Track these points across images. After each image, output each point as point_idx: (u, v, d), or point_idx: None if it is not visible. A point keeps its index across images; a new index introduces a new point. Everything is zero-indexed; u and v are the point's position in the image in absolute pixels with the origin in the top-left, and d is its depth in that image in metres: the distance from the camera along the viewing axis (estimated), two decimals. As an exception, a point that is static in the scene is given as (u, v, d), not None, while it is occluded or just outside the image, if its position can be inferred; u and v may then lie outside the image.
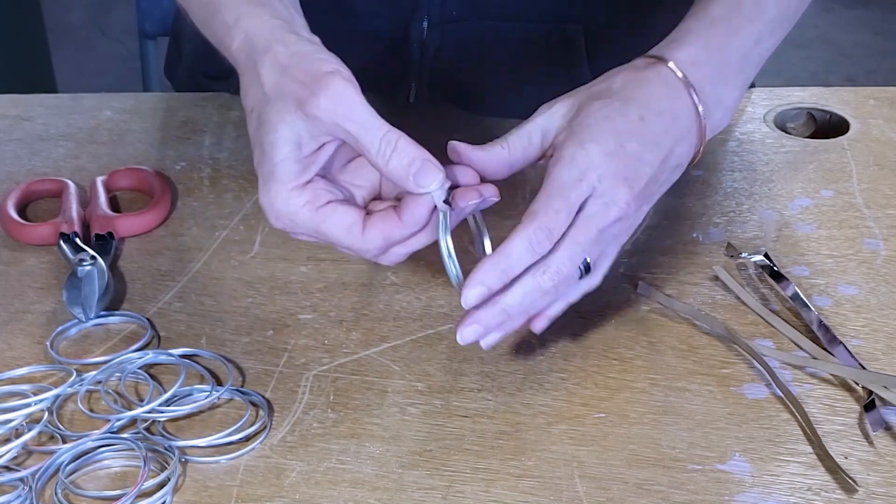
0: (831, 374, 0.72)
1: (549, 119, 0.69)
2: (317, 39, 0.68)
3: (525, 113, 0.99)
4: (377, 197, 0.69)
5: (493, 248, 0.65)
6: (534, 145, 0.68)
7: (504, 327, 0.66)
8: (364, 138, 0.63)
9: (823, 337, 0.74)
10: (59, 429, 0.68)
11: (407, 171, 0.63)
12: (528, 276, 0.64)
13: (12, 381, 0.71)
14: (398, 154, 0.63)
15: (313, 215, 0.65)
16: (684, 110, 0.69)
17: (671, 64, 0.69)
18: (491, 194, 0.66)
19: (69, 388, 0.70)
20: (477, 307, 0.64)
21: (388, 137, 0.63)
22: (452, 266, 0.65)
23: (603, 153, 0.65)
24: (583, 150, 0.65)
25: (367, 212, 0.67)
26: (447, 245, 0.65)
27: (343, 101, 0.63)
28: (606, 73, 0.71)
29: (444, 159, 0.96)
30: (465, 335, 0.65)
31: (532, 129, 0.69)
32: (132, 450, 0.66)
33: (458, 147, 0.67)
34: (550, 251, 0.64)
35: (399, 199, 0.66)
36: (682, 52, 0.69)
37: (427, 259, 0.82)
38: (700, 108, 0.69)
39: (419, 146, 0.64)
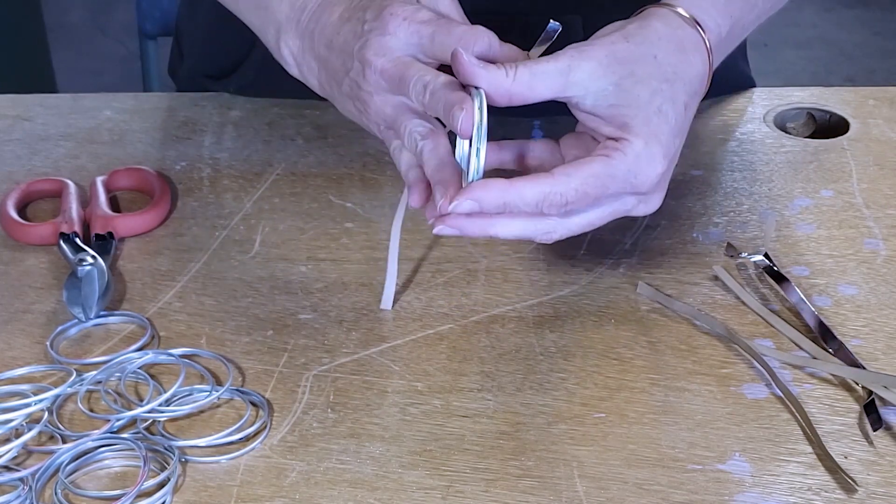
0: (831, 374, 0.72)
1: (580, 83, 0.64)
2: None
3: (524, 108, 0.99)
4: None
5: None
6: (546, 87, 0.64)
7: (474, 235, 0.65)
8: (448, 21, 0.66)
9: (823, 337, 0.74)
10: (59, 429, 0.68)
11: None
12: (532, 226, 0.63)
13: (12, 381, 0.71)
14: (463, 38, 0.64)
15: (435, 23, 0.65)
16: (704, 84, 0.67)
17: (703, 31, 0.66)
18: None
19: (69, 388, 0.70)
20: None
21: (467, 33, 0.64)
22: (476, 159, 0.62)
23: (665, 158, 0.63)
24: (648, 151, 0.62)
25: None
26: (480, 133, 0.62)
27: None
28: (639, 21, 0.66)
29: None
30: (445, 232, 0.63)
31: (551, 70, 0.64)
32: (132, 450, 0.66)
33: (462, 59, 0.63)
34: (567, 216, 0.63)
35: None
36: (711, 20, 0.67)
37: (427, 259, 0.82)
38: (711, 70, 0.67)
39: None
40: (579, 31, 0.96)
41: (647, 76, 0.63)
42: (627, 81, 0.63)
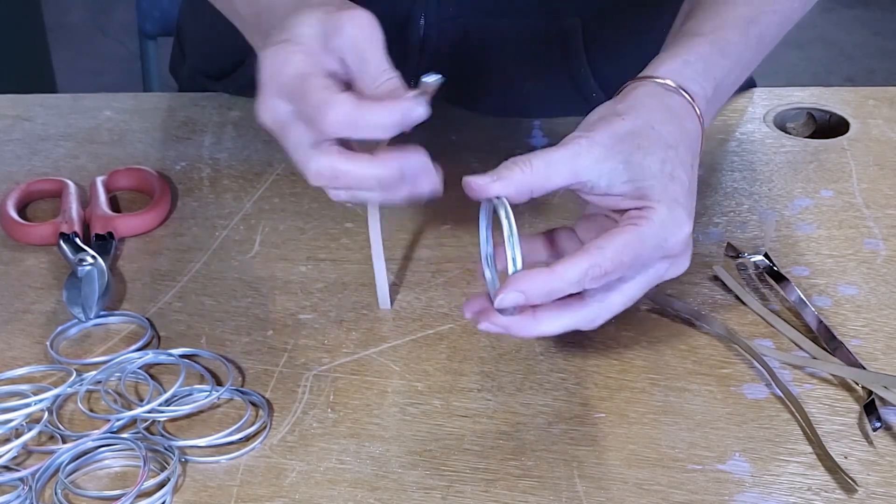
0: (831, 374, 0.72)
1: (590, 167, 0.64)
2: None
3: (524, 109, 1.00)
4: None
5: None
6: (561, 176, 0.64)
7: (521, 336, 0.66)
8: (371, 62, 0.63)
9: (823, 337, 0.74)
10: (59, 429, 0.68)
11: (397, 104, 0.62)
12: (577, 316, 0.64)
13: (12, 381, 0.71)
14: (387, 90, 0.63)
15: (306, 72, 0.63)
16: (700, 133, 0.69)
17: (689, 94, 0.68)
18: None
19: (69, 388, 0.70)
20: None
21: (387, 72, 0.64)
22: (488, 267, 0.65)
23: (689, 218, 0.65)
24: (672, 215, 0.63)
25: None
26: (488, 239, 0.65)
27: (371, 28, 0.64)
28: (625, 98, 0.68)
29: (443, 158, 0.97)
30: (491, 329, 0.64)
31: (562, 157, 0.64)
32: (132, 450, 0.66)
33: (472, 182, 0.63)
34: (608, 297, 0.64)
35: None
36: (694, 83, 0.69)
37: (427, 259, 0.82)
38: (703, 131, 0.69)
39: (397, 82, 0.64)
40: (578, 34, 0.96)
41: (651, 147, 0.64)
42: (636, 156, 0.64)
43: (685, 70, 0.69)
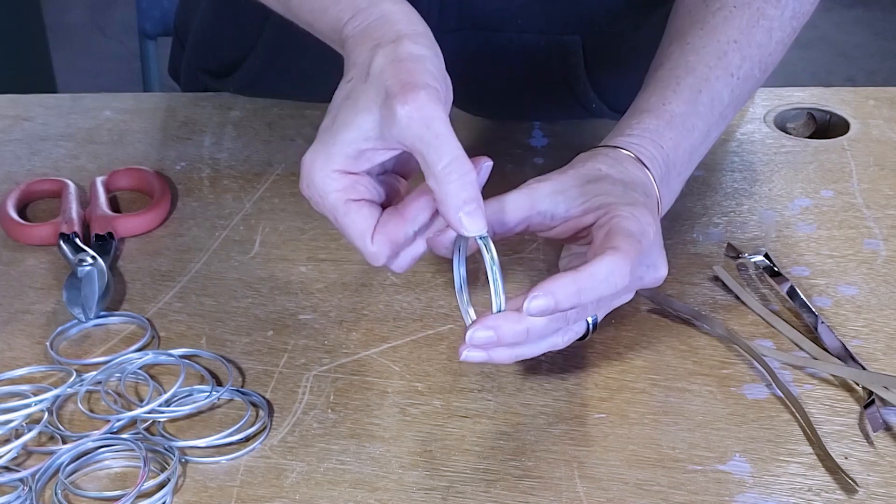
0: (831, 375, 0.72)
1: (547, 196, 0.67)
2: (437, 49, 0.67)
3: (523, 116, 1.00)
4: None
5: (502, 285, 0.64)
6: (516, 209, 0.67)
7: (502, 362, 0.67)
8: (432, 152, 0.62)
9: (823, 337, 0.74)
10: (59, 429, 0.68)
11: (461, 205, 0.62)
12: (553, 339, 0.66)
13: (12, 381, 0.71)
14: (462, 184, 0.61)
15: (339, 204, 0.64)
16: (650, 182, 0.71)
17: (633, 152, 0.71)
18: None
19: (69, 389, 0.70)
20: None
21: (459, 162, 0.62)
22: (464, 296, 0.67)
23: (651, 216, 0.66)
24: (636, 209, 0.66)
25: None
26: (461, 274, 0.67)
27: (427, 111, 0.61)
28: (574, 161, 0.71)
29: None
30: (472, 358, 0.64)
31: (515, 195, 0.67)
32: (132, 450, 0.66)
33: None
34: (585, 309, 0.65)
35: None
36: (639, 149, 0.72)
37: (427, 259, 0.82)
38: (659, 196, 0.72)
39: (478, 189, 0.63)
40: (579, 51, 0.96)
41: (601, 179, 0.68)
42: (588, 185, 0.68)
43: (628, 139, 0.72)
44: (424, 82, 0.62)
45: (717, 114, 0.75)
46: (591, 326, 0.68)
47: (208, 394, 0.70)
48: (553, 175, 0.69)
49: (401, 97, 0.61)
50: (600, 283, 0.62)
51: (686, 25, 0.77)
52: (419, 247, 0.67)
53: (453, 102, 1.00)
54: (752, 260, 0.81)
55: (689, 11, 0.78)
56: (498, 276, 0.63)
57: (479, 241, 0.63)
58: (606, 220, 0.65)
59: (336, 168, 0.64)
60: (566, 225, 0.68)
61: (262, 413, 0.69)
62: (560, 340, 0.66)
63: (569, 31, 0.95)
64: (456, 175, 0.61)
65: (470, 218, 0.62)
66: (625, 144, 0.71)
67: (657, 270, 0.67)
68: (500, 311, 0.63)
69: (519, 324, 0.62)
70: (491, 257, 0.62)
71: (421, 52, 0.64)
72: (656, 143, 0.72)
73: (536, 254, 0.83)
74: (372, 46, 0.65)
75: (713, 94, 0.75)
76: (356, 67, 0.65)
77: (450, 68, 0.97)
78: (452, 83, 1.04)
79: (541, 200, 0.67)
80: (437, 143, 0.61)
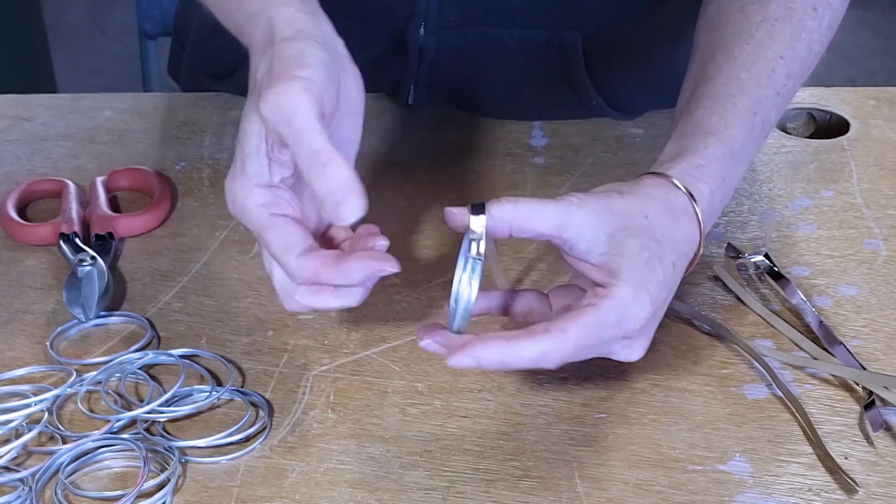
0: (831, 375, 0.72)
1: (576, 227, 0.64)
2: (339, 42, 0.67)
3: (523, 114, 1.00)
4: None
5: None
6: (545, 223, 0.64)
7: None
8: (295, 146, 0.60)
9: (823, 337, 0.74)
10: (59, 429, 0.68)
11: (329, 197, 0.60)
12: (524, 367, 0.63)
13: (12, 381, 0.71)
14: (325, 175, 0.60)
15: (263, 219, 0.64)
16: (694, 248, 0.68)
17: (692, 197, 0.68)
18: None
19: (69, 389, 0.70)
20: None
21: (318, 154, 0.60)
22: (460, 313, 0.63)
23: (651, 306, 0.63)
24: (636, 296, 0.63)
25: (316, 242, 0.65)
26: (461, 289, 0.63)
27: (287, 104, 0.60)
28: (633, 183, 0.67)
29: (443, 159, 0.96)
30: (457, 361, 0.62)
31: (552, 208, 0.64)
32: (132, 450, 0.66)
33: (450, 212, 0.64)
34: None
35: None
36: (704, 186, 0.68)
37: (427, 259, 0.82)
38: (701, 244, 0.68)
39: (352, 174, 0.60)
40: (578, 47, 0.96)
41: (638, 231, 0.65)
42: (620, 234, 0.64)
43: (696, 173, 0.69)
44: (292, 74, 0.61)
45: (765, 135, 0.74)
46: None
47: (208, 394, 0.70)
48: (594, 200, 0.65)
49: (264, 94, 0.61)
50: (525, 361, 0.61)
51: (729, 36, 0.75)
52: (329, 301, 0.64)
53: (452, 102, 1.01)
54: (752, 260, 0.81)
55: (727, 20, 0.76)
56: (468, 285, 0.61)
57: (471, 235, 0.62)
58: (596, 293, 0.63)
59: (255, 182, 0.64)
60: (577, 263, 0.65)
61: (262, 413, 0.69)
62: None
63: (568, 26, 0.95)
64: (316, 168, 0.60)
65: (343, 206, 0.60)
66: (691, 183, 0.68)
67: (631, 352, 0.65)
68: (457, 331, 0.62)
69: (502, 355, 0.61)
70: (468, 262, 0.61)
71: (296, 49, 0.63)
72: (721, 175, 0.69)
73: (536, 253, 0.82)
74: (259, 57, 0.65)
75: (765, 116, 0.73)
76: (251, 81, 0.66)
77: (449, 65, 0.97)
78: (451, 80, 1.04)
79: (568, 228, 0.64)
80: (296, 137, 0.60)
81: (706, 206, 0.68)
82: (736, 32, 0.75)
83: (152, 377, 0.71)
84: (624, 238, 0.64)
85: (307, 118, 0.60)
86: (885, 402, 0.69)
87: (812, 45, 0.76)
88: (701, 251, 0.68)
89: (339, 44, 0.67)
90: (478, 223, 0.62)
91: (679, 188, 0.67)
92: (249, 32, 0.68)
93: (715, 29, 0.77)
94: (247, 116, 0.64)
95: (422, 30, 0.94)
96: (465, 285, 0.62)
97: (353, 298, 0.64)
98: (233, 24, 0.72)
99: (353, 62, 0.67)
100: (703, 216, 0.67)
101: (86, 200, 0.88)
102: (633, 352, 0.65)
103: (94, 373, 0.71)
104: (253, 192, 0.64)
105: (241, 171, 0.65)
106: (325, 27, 0.67)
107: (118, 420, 0.68)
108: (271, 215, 0.64)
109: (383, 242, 0.64)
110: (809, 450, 0.67)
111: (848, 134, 0.98)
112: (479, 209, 0.62)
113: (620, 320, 0.63)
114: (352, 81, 0.66)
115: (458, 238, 0.86)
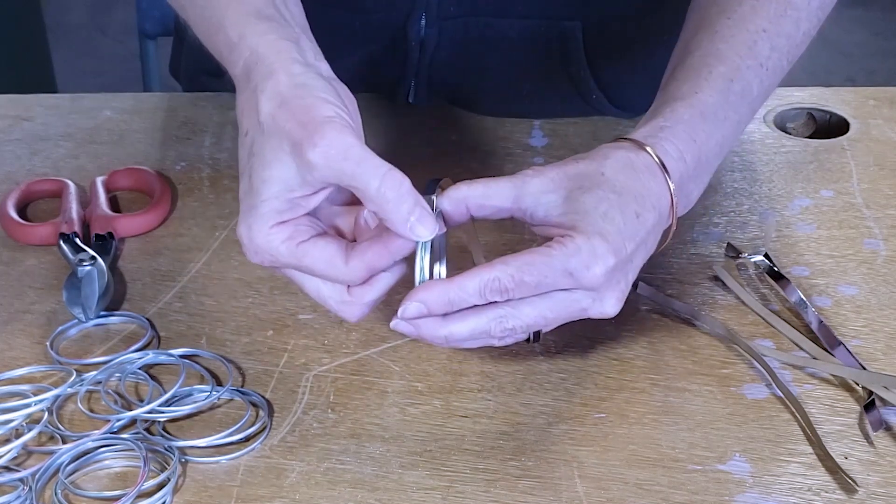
0: (831, 375, 0.72)
1: (532, 195, 0.65)
2: (324, 66, 0.67)
3: (523, 109, 1.00)
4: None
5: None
6: (501, 197, 0.65)
7: (435, 341, 0.65)
8: (363, 178, 0.61)
9: (823, 337, 0.74)
10: (59, 429, 0.68)
11: (406, 217, 0.62)
12: (484, 317, 0.63)
13: (12, 381, 0.71)
14: (400, 198, 0.61)
15: (294, 251, 0.64)
16: (666, 205, 0.68)
17: (656, 154, 0.68)
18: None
19: (69, 389, 0.70)
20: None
21: (389, 178, 0.61)
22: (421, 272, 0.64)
23: (614, 256, 0.63)
24: (590, 246, 0.63)
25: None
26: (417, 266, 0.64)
27: (339, 145, 0.61)
28: (593, 151, 0.68)
29: (443, 159, 0.97)
30: (401, 328, 0.64)
31: (505, 183, 0.66)
32: (132, 450, 0.66)
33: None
34: (518, 306, 0.63)
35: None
36: (669, 144, 0.68)
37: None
38: (675, 203, 0.68)
39: (416, 192, 0.62)
40: (578, 37, 0.96)
41: (593, 186, 0.65)
42: (576, 192, 0.65)
43: (660, 133, 0.69)
44: (323, 116, 0.62)
45: (746, 104, 0.73)
46: (532, 336, 0.66)
47: (208, 394, 0.70)
48: (550, 170, 0.66)
49: (307, 142, 0.61)
50: (470, 293, 0.62)
51: (713, 14, 0.75)
52: (388, 279, 0.65)
53: (452, 99, 1.01)
54: (752, 260, 0.81)
55: (714, 1, 0.77)
56: (420, 260, 0.63)
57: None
58: (555, 242, 0.63)
59: (272, 223, 0.64)
60: (540, 229, 0.66)
61: (262, 413, 0.69)
62: (495, 341, 0.64)
63: (569, 16, 0.95)
64: (391, 193, 0.61)
65: (420, 225, 0.62)
66: (654, 143, 0.68)
67: (602, 305, 0.65)
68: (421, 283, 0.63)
69: (446, 293, 0.62)
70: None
71: (305, 80, 0.64)
72: (689, 136, 0.69)
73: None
74: (252, 90, 0.65)
75: (744, 84, 0.72)
76: (247, 118, 0.65)
77: (450, 57, 0.97)
78: (451, 75, 1.04)
79: (525, 197, 0.65)
80: (361, 170, 0.61)
81: (675, 165, 0.68)
82: (720, 9, 0.75)
83: (152, 377, 0.71)
84: (579, 195, 0.65)
85: (361, 153, 0.61)
86: (885, 402, 0.69)
87: (800, 22, 0.76)
88: (676, 211, 0.68)
89: (324, 68, 0.67)
90: (430, 200, 0.64)
91: (641, 149, 0.67)
92: (232, 62, 0.68)
93: (699, 8, 0.78)
94: (266, 163, 0.63)
95: (423, 21, 0.94)
96: (419, 261, 0.63)
97: (400, 269, 0.65)
98: (213, 47, 0.71)
99: (338, 80, 0.67)
100: (674, 175, 0.67)
101: (86, 200, 0.88)
102: (605, 305, 0.65)
103: (94, 373, 0.71)
104: (272, 233, 0.64)
105: (257, 217, 0.64)
106: (308, 53, 0.67)
107: (118, 420, 0.68)
108: (299, 244, 0.64)
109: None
110: (809, 450, 0.67)
111: (848, 134, 0.98)
112: (431, 187, 0.64)
113: (573, 269, 0.62)
114: (346, 99, 0.66)
115: (456, 238, 0.86)
